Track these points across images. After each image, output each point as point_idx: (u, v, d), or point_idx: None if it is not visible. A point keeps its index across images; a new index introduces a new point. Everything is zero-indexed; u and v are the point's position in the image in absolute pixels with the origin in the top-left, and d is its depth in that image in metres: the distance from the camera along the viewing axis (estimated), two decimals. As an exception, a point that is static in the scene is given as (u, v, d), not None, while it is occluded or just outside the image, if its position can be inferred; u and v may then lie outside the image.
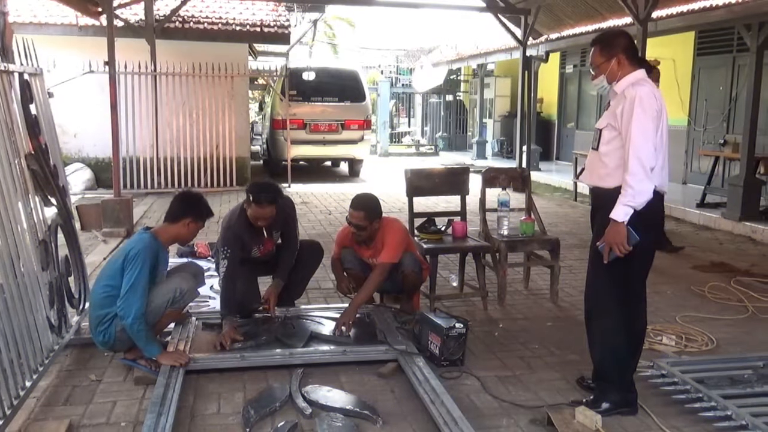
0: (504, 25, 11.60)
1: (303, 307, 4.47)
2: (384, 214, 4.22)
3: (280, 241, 4.29)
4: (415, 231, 4.84)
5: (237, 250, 3.97)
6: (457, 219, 4.96)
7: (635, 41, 3.65)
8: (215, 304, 4.73)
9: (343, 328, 3.87)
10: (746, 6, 7.88)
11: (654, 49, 8.30)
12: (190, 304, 3.92)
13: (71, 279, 4.00)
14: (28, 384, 3.06)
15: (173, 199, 3.75)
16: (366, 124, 12.83)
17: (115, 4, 8.54)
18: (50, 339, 3.48)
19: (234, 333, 3.78)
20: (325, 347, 3.74)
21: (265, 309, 4.14)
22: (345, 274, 4.34)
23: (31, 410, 3.10)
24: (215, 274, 5.40)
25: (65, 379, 3.47)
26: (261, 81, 13.66)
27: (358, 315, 4.12)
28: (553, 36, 12.80)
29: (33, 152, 3.59)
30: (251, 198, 3.91)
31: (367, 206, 4.12)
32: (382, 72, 26.29)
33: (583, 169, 3.36)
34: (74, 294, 4.00)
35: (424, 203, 7.96)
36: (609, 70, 3.08)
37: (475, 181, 5.09)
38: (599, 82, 3.15)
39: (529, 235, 4.90)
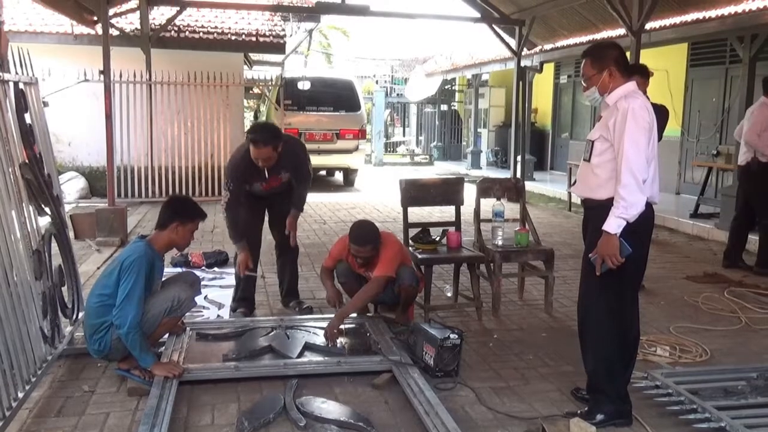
0: (498, 35, 11.67)
1: (297, 317, 4.47)
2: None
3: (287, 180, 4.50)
4: (410, 241, 4.84)
5: (239, 184, 4.31)
6: (452, 229, 4.96)
7: (628, 53, 3.68)
8: (209, 314, 4.73)
9: (329, 339, 3.84)
10: (738, 18, 7.95)
11: (647, 60, 8.31)
12: (185, 314, 3.91)
13: (65, 289, 3.98)
14: (20, 395, 3.03)
15: (161, 206, 3.76)
16: (361, 134, 12.87)
17: (110, 13, 8.55)
18: (43, 349, 3.46)
19: (249, 259, 4.28)
20: (320, 358, 3.73)
21: (287, 238, 4.52)
22: (342, 288, 4.34)
23: (23, 421, 3.08)
24: (209, 284, 5.42)
25: (58, 389, 3.45)
26: (256, 90, 13.66)
27: (352, 325, 4.12)
28: (548, 47, 12.88)
29: (27, 161, 3.58)
30: (249, 138, 4.17)
31: (370, 238, 4.09)
32: (377, 82, 26.42)
33: (576, 180, 3.37)
34: (67, 304, 3.98)
35: (419, 213, 8.00)
36: (600, 82, 3.10)
37: (469, 191, 5.10)
38: (591, 93, 3.17)
39: (524, 245, 4.91)
